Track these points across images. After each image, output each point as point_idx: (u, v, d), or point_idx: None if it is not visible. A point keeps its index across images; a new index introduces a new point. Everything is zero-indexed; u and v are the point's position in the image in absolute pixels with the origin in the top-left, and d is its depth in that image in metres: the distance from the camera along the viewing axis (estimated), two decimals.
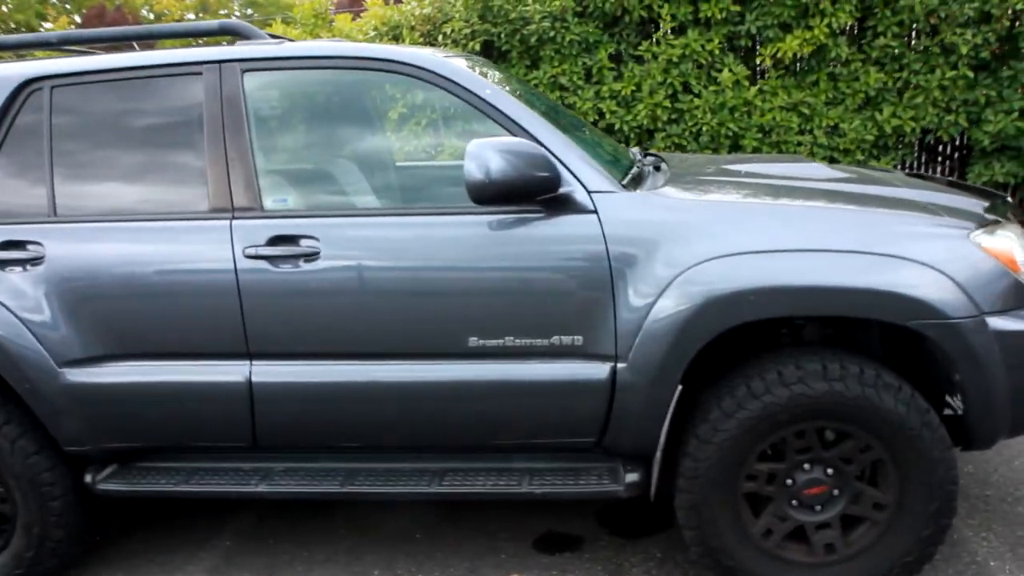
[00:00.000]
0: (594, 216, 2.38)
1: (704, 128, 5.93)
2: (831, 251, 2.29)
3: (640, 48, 6.02)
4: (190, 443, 2.70)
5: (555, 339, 2.40)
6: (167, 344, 2.56)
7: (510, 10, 5.89)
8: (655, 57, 5.97)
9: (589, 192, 2.39)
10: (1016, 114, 5.51)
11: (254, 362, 2.53)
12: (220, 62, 2.57)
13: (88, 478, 2.72)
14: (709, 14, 5.81)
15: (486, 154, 2.22)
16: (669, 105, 5.93)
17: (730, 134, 5.93)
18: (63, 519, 2.75)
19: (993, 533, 2.90)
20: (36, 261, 2.58)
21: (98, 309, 2.57)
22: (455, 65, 2.53)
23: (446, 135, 3.02)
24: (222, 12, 34.17)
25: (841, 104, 5.89)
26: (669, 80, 5.93)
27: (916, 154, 6.40)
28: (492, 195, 2.26)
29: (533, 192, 2.30)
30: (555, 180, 2.32)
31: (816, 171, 3.00)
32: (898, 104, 5.80)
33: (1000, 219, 2.51)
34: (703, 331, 2.31)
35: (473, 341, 2.42)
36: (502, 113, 2.45)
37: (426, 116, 2.84)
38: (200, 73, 2.58)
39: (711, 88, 5.94)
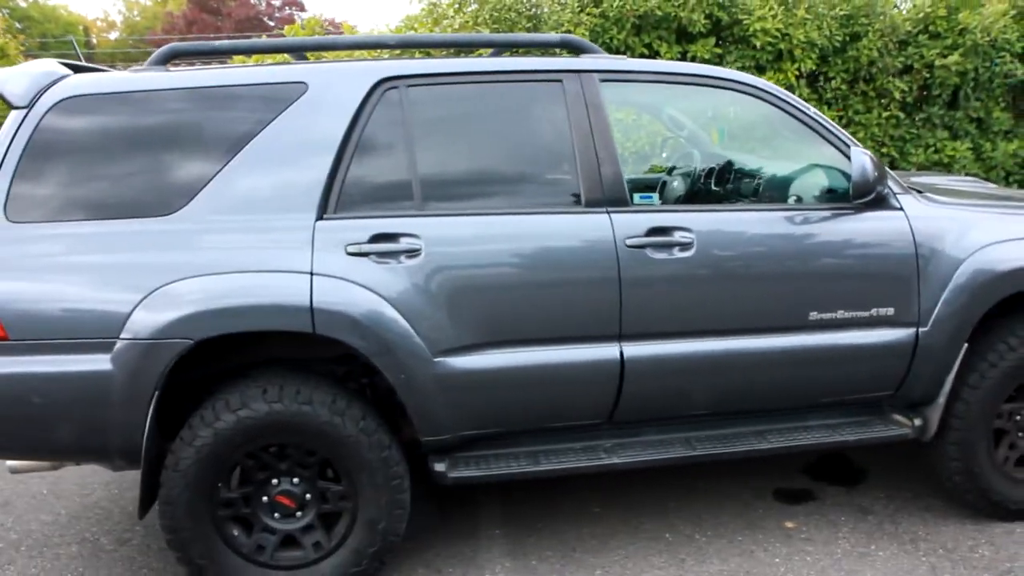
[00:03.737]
0: (901, 212, 2.97)
1: None
2: None
3: None
4: (547, 424, 2.87)
5: (873, 311, 2.94)
6: (542, 330, 2.73)
7: None
8: None
9: (895, 194, 2.98)
10: (932, 148, 6.94)
11: (624, 343, 2.78)
12: (580, 72, 2.83)
13: (440, 467, 2.78)
14: (696, 54, 6.65)
15: (863, 160, 2.74)
16: None
17: None
18: (406, 512, 2.78)
19: None
20: (412, 253, 2.64)
21: (477, 299, 2.68)
22: (781, 89, 3.01)
23: (769, 144, 3.47)
24: None
25: None
26: None
27: None
28: (864, 192, 2.78)
29: (876, 192, 2.84)
30: (885, 182, 2.88)
31: (986, 184, 3.88)
32: None
33: None
34: (988, 299, 2.98)
35: (813, 315, 2.90)
36: (825, 128, 2.98)
37: (757, 127, 3.26)
38: (560, 81, 2.81)
39: None
